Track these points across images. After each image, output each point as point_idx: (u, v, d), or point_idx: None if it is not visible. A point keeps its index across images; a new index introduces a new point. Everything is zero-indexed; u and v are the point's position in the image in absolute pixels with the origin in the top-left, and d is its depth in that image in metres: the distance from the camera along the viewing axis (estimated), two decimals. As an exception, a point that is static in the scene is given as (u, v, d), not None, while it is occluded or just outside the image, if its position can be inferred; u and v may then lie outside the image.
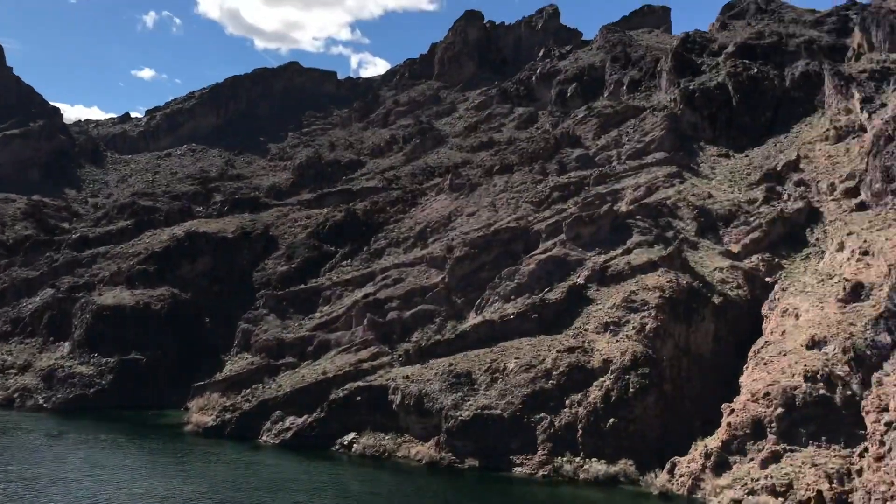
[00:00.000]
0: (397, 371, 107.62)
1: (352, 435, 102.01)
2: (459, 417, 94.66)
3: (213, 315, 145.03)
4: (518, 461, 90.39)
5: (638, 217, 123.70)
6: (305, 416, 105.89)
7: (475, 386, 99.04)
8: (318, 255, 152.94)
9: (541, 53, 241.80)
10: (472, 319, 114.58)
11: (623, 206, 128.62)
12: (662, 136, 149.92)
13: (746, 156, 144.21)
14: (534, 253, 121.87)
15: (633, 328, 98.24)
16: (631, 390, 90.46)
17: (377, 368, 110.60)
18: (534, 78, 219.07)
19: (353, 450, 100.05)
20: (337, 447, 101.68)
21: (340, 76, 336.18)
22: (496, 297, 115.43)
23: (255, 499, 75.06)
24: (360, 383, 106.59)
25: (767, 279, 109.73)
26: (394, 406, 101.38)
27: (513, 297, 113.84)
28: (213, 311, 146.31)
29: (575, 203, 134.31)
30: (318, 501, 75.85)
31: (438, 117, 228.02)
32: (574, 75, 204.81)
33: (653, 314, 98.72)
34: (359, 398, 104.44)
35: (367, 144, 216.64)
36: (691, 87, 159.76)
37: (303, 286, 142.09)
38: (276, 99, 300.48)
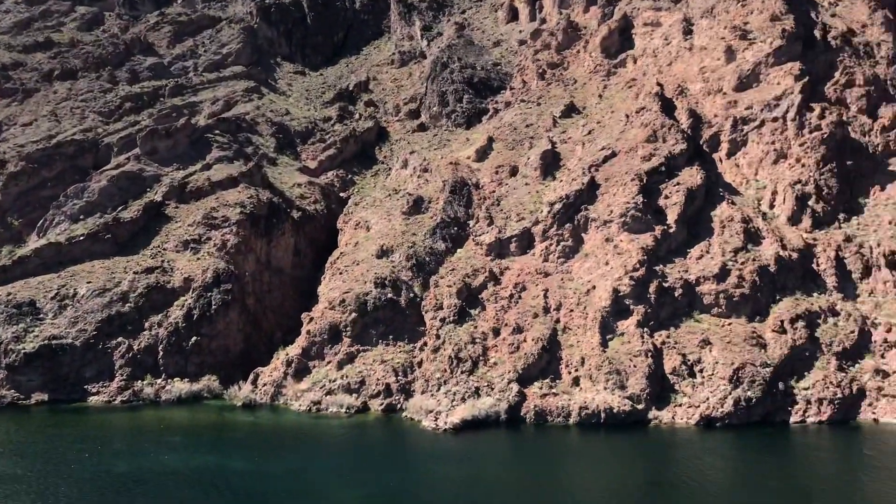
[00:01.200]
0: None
1: None
2: (23, 351, 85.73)
3: None
4: (94, 390, 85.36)
5: (217, 132, 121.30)
6: None
7: (40, 315, 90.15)
8: None
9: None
10: (34, 243, 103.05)
11: (201, 120, 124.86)
12: (240, 50, 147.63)
13: (321, 74, 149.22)
14: (105, 168, 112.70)
15: (215, 245, 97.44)
16: (213, 307, 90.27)
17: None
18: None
19: None
20: None
21: None
22: (62, 218, 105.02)
23: None
24: None
25: (342, 194, 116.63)
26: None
27: (82, 216, 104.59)
28: None
29: (150, 115, 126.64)
30: None
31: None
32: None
33: (234, 230, 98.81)
34: None
35: None
36: (267, 2, 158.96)
37: None
38: None
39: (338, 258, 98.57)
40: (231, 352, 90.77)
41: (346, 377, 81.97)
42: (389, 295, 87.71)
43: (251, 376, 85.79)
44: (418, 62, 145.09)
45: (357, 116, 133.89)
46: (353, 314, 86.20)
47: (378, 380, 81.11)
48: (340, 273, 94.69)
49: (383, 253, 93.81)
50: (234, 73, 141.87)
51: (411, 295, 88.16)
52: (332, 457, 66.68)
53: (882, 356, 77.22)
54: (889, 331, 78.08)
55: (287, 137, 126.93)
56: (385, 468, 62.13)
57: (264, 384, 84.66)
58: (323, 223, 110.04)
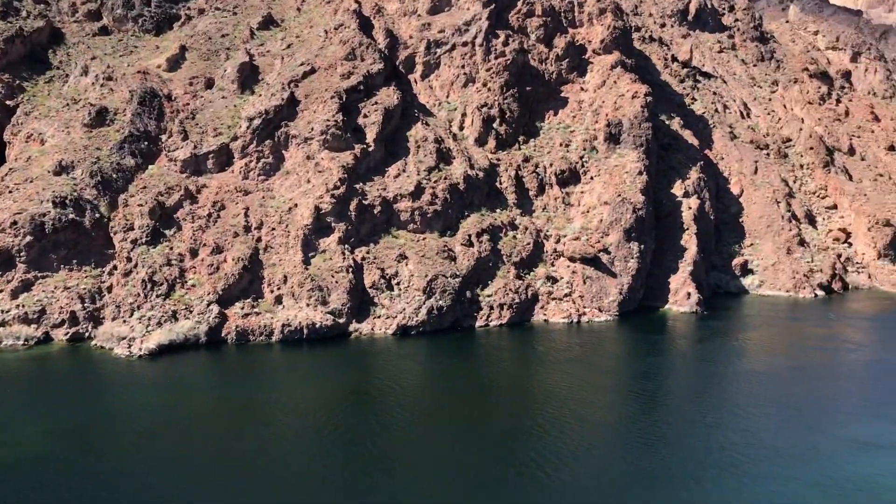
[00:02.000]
0: None
1: None
2: None
3: None
4: None
5: None
6: None
7: None
8: None
9: None
10: None
11: None
12: None
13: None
14: None
15: None
16: None
17: None
18: None
19: None
20: None
21: None
22: None
23: None
24: None
25: (8, 102, 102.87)
26: None
27: None
28: None
29: None
30: None
31: None
32: None
33: None
34: None
35: None
36: None
37: None
38: None
39: (6, 175, 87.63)
40: None
41: (23, 306, 74.40)
42: (71, 215, 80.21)
43: None
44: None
45: (24, 14, 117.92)
46: (29, 237, 77.80)
47: (61, 308, 74.69)
48: (10, 192, 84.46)
49: (62, 169, 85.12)
50: None
51: (97, 215, 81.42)
52: (7, 393, 60.68)
53: (552, 264, 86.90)
54: (558, 242, 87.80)
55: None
56: (70, 401, 57.97)
57: (-81, 319, 74.14)
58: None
